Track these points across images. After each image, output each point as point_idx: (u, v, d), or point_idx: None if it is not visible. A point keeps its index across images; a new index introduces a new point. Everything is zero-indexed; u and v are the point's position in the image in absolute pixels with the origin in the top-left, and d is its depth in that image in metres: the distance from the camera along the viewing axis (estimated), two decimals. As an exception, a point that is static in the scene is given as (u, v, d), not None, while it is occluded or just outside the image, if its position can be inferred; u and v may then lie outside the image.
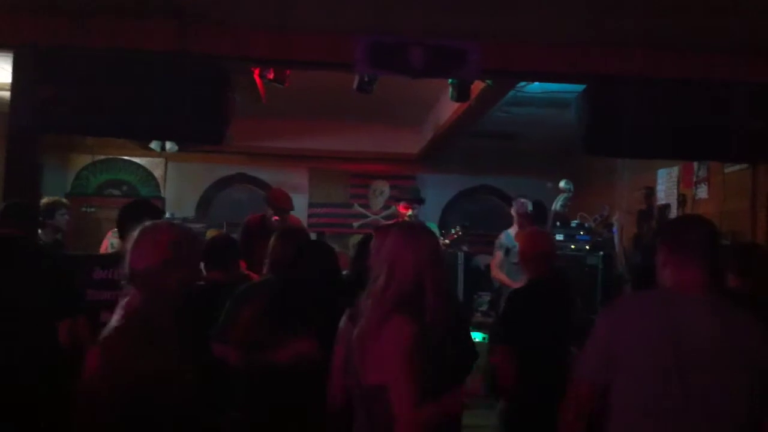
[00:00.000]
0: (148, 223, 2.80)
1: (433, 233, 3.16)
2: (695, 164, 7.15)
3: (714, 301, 2.68)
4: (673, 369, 2.53)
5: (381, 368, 2.73)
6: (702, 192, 7.06)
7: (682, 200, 7.41)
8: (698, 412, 2.51)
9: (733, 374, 2.54)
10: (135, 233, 2.74)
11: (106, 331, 2.59)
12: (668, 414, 2.53)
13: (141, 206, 4.47)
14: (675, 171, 7.63)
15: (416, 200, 7.72)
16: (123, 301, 2.67)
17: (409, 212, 7.51)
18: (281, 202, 6.67)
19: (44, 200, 6.36)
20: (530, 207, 7.47)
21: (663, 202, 7.80)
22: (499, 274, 7.40)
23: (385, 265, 2.85)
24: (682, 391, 2.51)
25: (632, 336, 2.61)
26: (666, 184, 7.84)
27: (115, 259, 4.21)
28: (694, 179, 7.19)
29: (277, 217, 6.56)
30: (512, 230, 7.41)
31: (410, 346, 2.69)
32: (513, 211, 7.55)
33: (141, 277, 2.63)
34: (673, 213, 7.49)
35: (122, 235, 4.21)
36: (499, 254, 7.38)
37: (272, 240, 4.27)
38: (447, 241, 7.41)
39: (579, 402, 2.72)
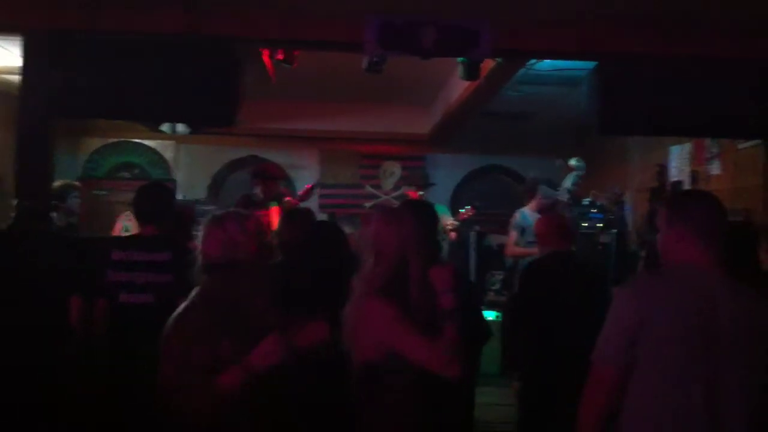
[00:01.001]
0: (219, 213, 2.84)
1: (418, 211, 3.22)
2: (707, 141, 7.12)
3: (731, 279, 2.65)
4: (702, 348, 2.49)
5: (378, 342, 2.84)
6: (714, 168, 7.03)
7: (694, 177, 7.38)
8: (723, 391, 2.49)
9: (756, 353, 2.52)
10: (214, 224, 2.77)
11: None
12: (695, 392, 2.49)
13: (157, 188, 4.49)
14: (687, 148, 7.59)
15: (425, 185, 7.74)
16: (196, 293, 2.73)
17: (419, 192, 7.54)
18: (273, 171, 6.90)
19: (56, 184, 6.38)
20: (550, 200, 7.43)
21: (675, 179, 7.77)
22: (515, 249, 7.35)
23: (371, 249, 2.96)
24: (710, 370, 2.49)
25: (659, 315, 2.54)
26: (678, 161, 7.80)
27: (132, 241, 4.24)
28: (707, 156, 7.16)
29: (286, 194, 6.64)
30: (527, 209, 7.38)
31: (397, 317, 2.82)
32: (538, 195, 7.49)
33: (227, 265, 2.70)
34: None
35: (139, 217, 4.23)
36: (514, 234, 7.36)
37: (279, 222, 4.26)
38: (457, 222, 7.39)
39: (605, 388, 2.62)
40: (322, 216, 10.27)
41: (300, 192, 7.49)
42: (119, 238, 6.41)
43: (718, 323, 2.51)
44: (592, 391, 2.66)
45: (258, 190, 6.72)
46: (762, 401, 2.53)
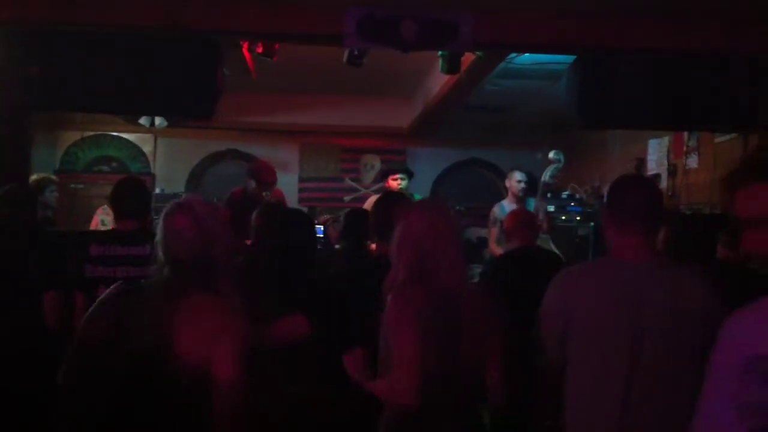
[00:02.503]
0: (181, 200, 2.64)
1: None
2: (685, 134, 7.16)
3: (661, 264, 2.67)
4: (628, 337, 2.50)
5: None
6: (692, 162, 7.08)
7: (672, 170, 7.43)
8: (655, 379, 2.49)
9: (686, 338, 2.51)
10: (173, 218, 2.56)
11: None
12: (626, 383, 2.50)
13: (135, 183, 4.46)
14: (665, 141, 7.63)
15: (403, 170, 7.68)
16: None
17: (400, 184, 7.47)
18: (266, 176, 6.67)
19: (33, 177, 6.33)
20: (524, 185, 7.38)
21: (654, 172, 7.81)
22: (496, 249, 7.35)
23: (411, 250, 2.79)
24: (638, 359, 2.49)
25: (584, 308, 2.57)
26: (657, 154, 7.85)
27: (112, 235, 4.22)
28: (685, 149, 7.20)
29: (266, 193, 6.55)
30: (506, 203, 7.37)
31: None
32: (508, 184, 7.49)
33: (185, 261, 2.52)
34: (664, 183, 7.51)
35: (117, 212, 4.22)
36: (494, 230, 7.35)
37: (254, 215, 4.20)
38: None
39: (553, 385, 2.69)
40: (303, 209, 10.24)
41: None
42: (98, 232, 6.37)
43: (643, 313, 2.51)
44: (541, 389, 2.77)
45: (250, 184, 6.69)
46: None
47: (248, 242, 5.00)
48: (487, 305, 2.83)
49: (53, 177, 7.05)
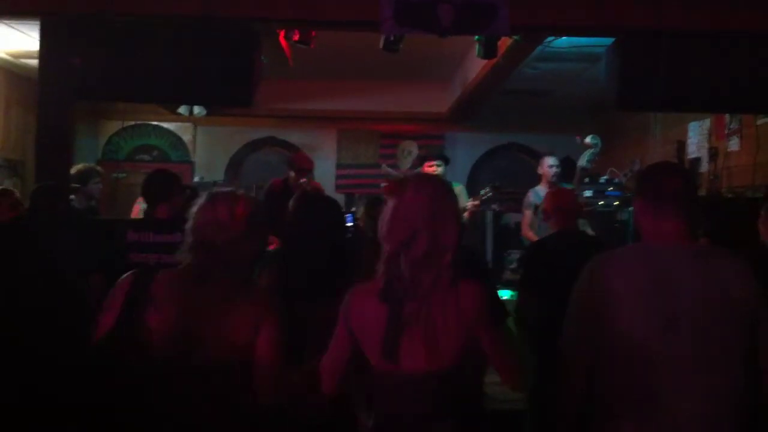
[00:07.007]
0: (218, 191, 2.69)
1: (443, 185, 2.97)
2: (727, 116, 7.05)
3: (698, 250, 2.63)
4: (665, 326, 2.46)
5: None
6: (734, 144, 6.98)
7: (713, 153, 7.32)
8: (693, 367, 2.46)
9: (724, 325, 2.47)
10: (204, 201, 2.62)
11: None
12: (662, 372, 2.46)
13: (164, 173, 4.58)
14: (706, 124, 7.53)
15: (440, 157, 7.66)
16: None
17: (436, 171, 7.46)
18: (301, 163, 6.81)
19: (79, 166, 6.42)
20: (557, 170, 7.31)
21: (694, 155, 7.72)
22: (529, 233, 7.34)
23: (420, 226, 2.50)
24: (675, 348, 2.45)
25: (616, 294, 2.53)
26: (697, 137, 7.75)
27: (147, 223, 4.31)
28: (726, 132, 7.10)
29: (303, 180, 6.64)
30: (540, 188, 7.34)
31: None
32: (540, 170, 7.46)
33: (215, 248, 2.53)
34: (704, 166, 7.42)
35: (149, 201, 4.35)
36: (528, 213, 7.32)
37: (291, 201, 4.21)
38: (477, 203, 7.34)
39: (578, 372, 2.64)
40: (339, 197, 10.27)
41: None
42: (135, 220, 6.47)
43: (679, 301, 2.47)
44: (567, 376, 2.68)
45: (291, 175, 6.81)
46: (744, 371, 2.50)
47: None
48: None
49: (98, 168, 7.09)
